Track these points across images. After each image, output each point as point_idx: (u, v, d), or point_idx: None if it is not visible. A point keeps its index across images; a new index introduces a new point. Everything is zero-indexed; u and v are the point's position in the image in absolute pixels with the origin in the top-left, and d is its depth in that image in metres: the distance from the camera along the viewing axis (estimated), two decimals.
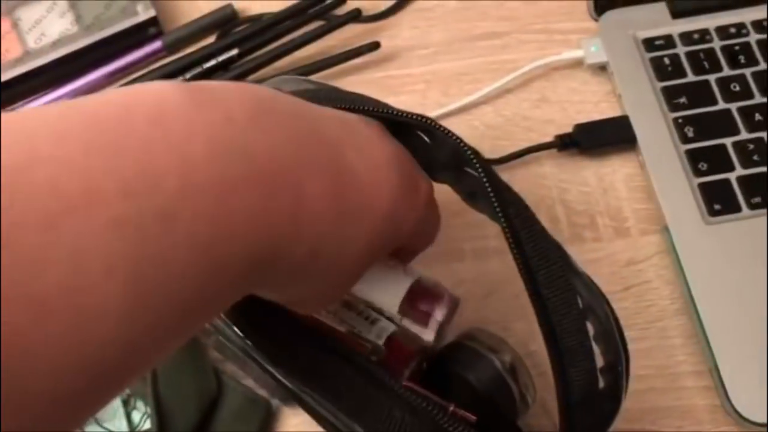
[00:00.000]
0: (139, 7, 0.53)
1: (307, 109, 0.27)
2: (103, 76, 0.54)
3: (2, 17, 0.54)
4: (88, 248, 0.18)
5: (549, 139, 0.50)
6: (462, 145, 0.32)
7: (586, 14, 0.55)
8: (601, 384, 0.30)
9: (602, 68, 0.52)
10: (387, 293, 0.33)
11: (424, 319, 0.34)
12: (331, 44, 0.55)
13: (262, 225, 0.22)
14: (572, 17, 0.55)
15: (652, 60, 0.50)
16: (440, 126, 0.32)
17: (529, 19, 0.55)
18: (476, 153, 0.32)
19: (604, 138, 0.49)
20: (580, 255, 0.34)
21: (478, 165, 0.31)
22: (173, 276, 0.20)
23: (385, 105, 0.34)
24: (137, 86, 0.22)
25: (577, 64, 0.52)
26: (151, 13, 0.54)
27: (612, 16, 0.53)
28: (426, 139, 0.34)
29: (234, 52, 0.53)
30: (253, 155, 0.22)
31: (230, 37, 0.54)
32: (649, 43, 0.51)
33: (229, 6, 0.56)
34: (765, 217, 0.46)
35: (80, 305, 0.18)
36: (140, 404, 0.43)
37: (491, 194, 0.30)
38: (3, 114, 0.19)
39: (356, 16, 0.53)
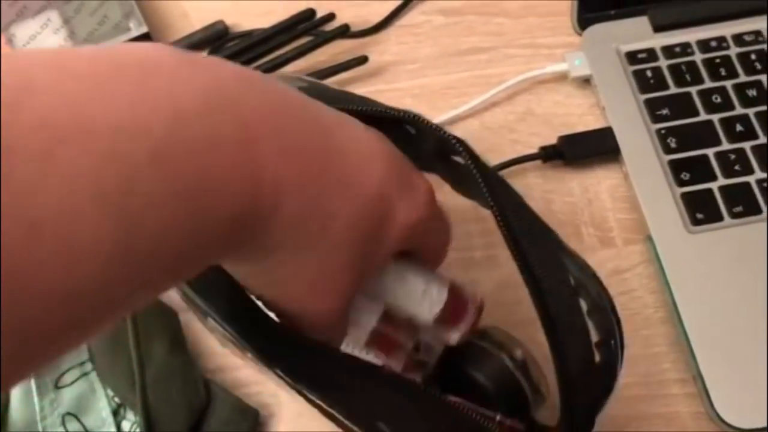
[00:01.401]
0: (132, 24, 0.54)
1: (297, 93, 0.28)
2: None
3: None
4: (80, 177, 0.19)
5: (534, 150, 0.51)
6: (445, 134, 0.33)
7: (570, 29, 0.56)
8: (597, 359, 0.31)
9: (586, 81, 0.53)
10: (422, 304, 0.33)
11: (452, 322, 0.34)
12: (321, 59, 0.56)
13: (245, 183, 0.23)
14: (557, 32, 0.56)
15: (635, 73, 0.51)
16: (423, 118, 0.34)
17: (515, 35, 0.56)
18: (460, 141, 0.33)
19: (588, 149, 0.50)
20: None
21: (463, 151, 0.32)
22: (158, 221, 0.21)
23: (371, 102, 0.35)
24: (132, 44, 0.23)
25: (562, 77, 0.53)
26: (143, 29, 0.54)
27: (595, 30, 0.54)
28: (412, 131, 0.35)
29: None
30: (242, 116, 0.23)
31: (221, 52, 0.55)
32: (632, 57, 0.52)
33: (221, 22, 0.57)
34: (747, 227, 0.46)
35: (71, 232, 0.19)
36: (130, 414, 0.43)
37: (479, 178, 0.31)
38: (11, 52, 0.20)
39: (344, 31, 0.54)
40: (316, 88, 0.37)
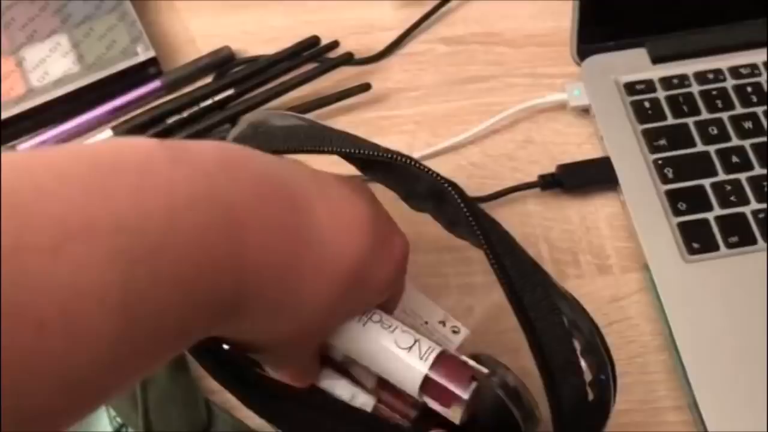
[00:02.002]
0: (139, 48, 0.55)
1: (278, 167, 0.30)
2: (105, 113, 0.56)
3: (7, 56, 0.56)
4: (86, 276, 0.20)
5: (534, 179, 0.51)
6: (438, 178, 0.33)
7: (570, 59, 0.57)
8: (590, 396, 0.32)
9: (585, 111, 0.54)
10: (406, 378, 0.34)
11: (446, 398, 0.33)
12: (325, 85, 0.57)
13: (232, 272, 0.25)
14: (557, 62, 0.57)
15: (633, 103, 0.52)
16: (416, 162, 0.34)
17: (516, 64, 0.57)
18: (453, 184, 0.33)
19: (586, 178, 0.51)
20: None
21: (456, 196, 0.32)
22: (156, 308, 0.22)
23: (363, 144, 0.36)
24: (127, 139, 0.25)
25: (561, 106, 0.54)
26: (151, 54, 0.55)
27: (594, 61, 0.55)
28: (405, 172, 0.36)
29: (230, 92, 0.55)
30: (229, 208, 0.25)
31: (227, 77, 0.56)
32: (630, 88, 0.53)
33: (227, 48, 0.58)
34: (742, 257, 0.47)
35: (76, 328, 0.20)
36: None
37: (472, 223, 0.32)
38: (11, 153, 0.21)
39: (348, 59, 0.55)
40: (312, 127, 0.38)
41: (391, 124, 0.55)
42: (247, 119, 0.39)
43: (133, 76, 0.56)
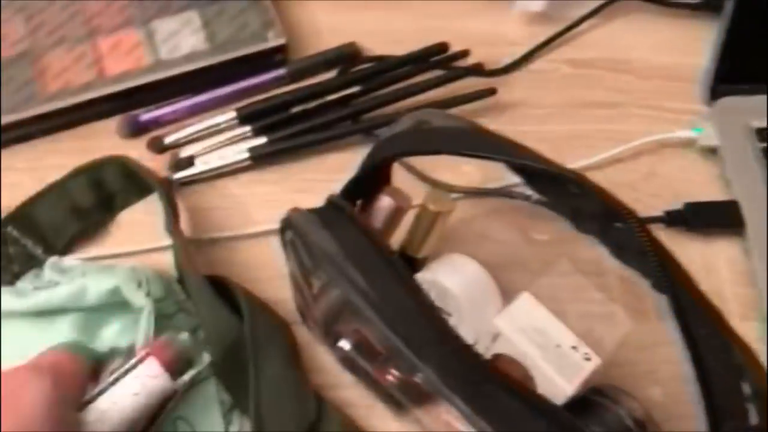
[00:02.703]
0: (270, 34, 0.55)
1: None
2: (227, 94, 0.55)
3: (138, 27, 0.56)
4: None
5: (654, 212, 0.51)
6: (617, 203, 0.33)
7: (696, 96, 0.56)
8: None
9: (711, 151, 0.53)
10: None
11: None
12: (446, 93, 0.56)
13: None
14: (684, 98, 0.56)
15: (765, 150, 0.52)
16: (593, 183, 0.34)
17: (642, 94, 0.57)
18: (630, 211, 0.33)
19: (713, 219, 0.50)
20: None
21: (636, 226, 0.32)
22: None
23: (537, 156, 0.35)
24: None
25: (688, 143, 0.54)
26: (281, 41, 0.55)
27: (726, 102, 0.54)
28: (575, 191, 0.35)
29: (356, 89, 0.54)
30: None
31: (352, 74, 0.56)
32: (762, 133, 0.52)
33: (353, 44, 0.58)
34: None
35: None
36: (236, 423, 0.43)
37: (653, 256, 0.31)
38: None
39: (478, 70, 0.55)
40: (479, 132, 0.37)
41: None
42: (411, 116, 0.39)
43: (258, 61, 0.56)
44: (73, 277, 0.45)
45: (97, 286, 0.43)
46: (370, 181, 0.41)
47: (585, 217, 0.35)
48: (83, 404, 0.36)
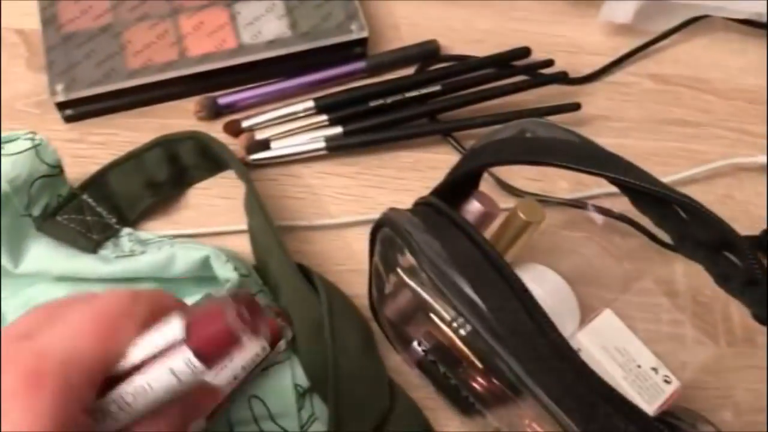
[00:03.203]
0: (354, 26, 0.55)
1: None
2: (305, 83, 0.55)
3: (222, 8, 0.55)
4: None
5: None
6: (732, 233, 0.33)
7: None
8: None
9: None
10: None
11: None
12: (525, 98, 0.56)
13: None
14: (765, 121, 0.56)
15: None
16: (707, 210, 0.33)
17: (723, 115, 0.56)
18: (745, 242, 0.32)
19: None
20: None
21: (752, 259, 0.32)
22: None
23: (649, 176, 0.35)
24: None
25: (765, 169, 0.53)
26: (364, 33, 0.55)
27: None
28: (683, 215, 0.35)
29: (437, 87, 0.54)
30: None
31: (432, 71, 0.56)
32: None
33: (434, 41, 0.57)
34: None
35: None
36: (308, 405, 0.43)
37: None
38: None
39: (562, 77, 0.54)
40: (586, 146, 0.37)
41: None
42: (514, 125, 0.38)
43: (339, 52, 0.55)
44: (161, 246, 0.45)
45: (185, 256, 0.43)
46: (461, 185, 0.41)
47: (691, 242, 0.34)
48: None
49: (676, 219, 0.34)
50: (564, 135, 0.37)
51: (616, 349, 0.41)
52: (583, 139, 0.37)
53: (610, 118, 0.56)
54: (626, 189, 0.35)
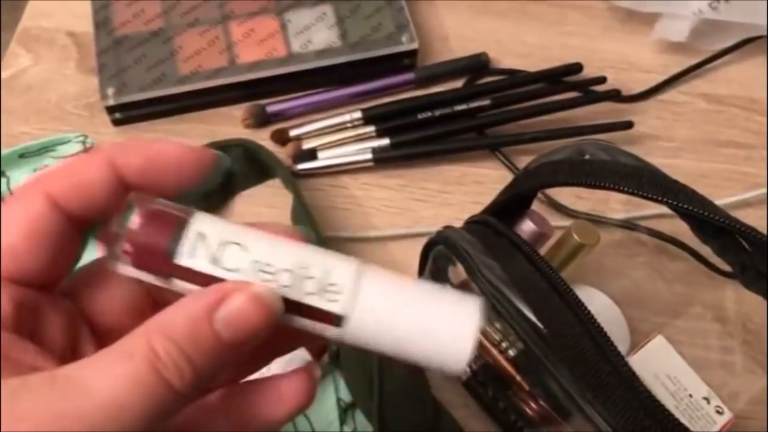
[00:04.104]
0: (404, 38, 0.55)
1: None
2: (354, 93, 0.55)
3: (273, 16, 0.55)
4: None
5: None
6: None
7: None
8: None
9: None
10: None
11: None
12: (576, 114, 0.55)
13: None
14: None
15: None
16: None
17: None
18: None
19: None
20: None
21: None
22: None
23: (711, 205, 0.34)
24: None
25: None
26: (414, 45, 0.55)
27: None
28: (745, 245, 0.34)
29: (486, 101, 0.54)
30: None
31: (481, 85, 0.55)
32: None
33: (484, 54, 0.57)
34: None
35: None
36: (350, 421, 0.43)
37: None
38: None
39: (615, 95, 0.54)
40: (651, 172, 0.36)
41: None
42: (572, 146, 0.38)
43: (388, 63, 0.55)
44: None
45: None
46: (514, 204, 0.40)
47: (753, 273, 0.34)
48: None
49: (738, 249, 0.34)
50: (625, 158, 0.36)
51: (667, 377, 0.40)
52: (643, 163, 0.36)
53: (661, 138, 0.55)
54: (688, 217, 0.35)
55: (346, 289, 0.22)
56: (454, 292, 0.22)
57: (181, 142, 0.24)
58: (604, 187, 0.35)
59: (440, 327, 0.22)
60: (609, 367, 0.29)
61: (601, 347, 0.29)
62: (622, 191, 0.34)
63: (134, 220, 0.21)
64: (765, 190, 0.52)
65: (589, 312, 0.30)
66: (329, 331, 0.22)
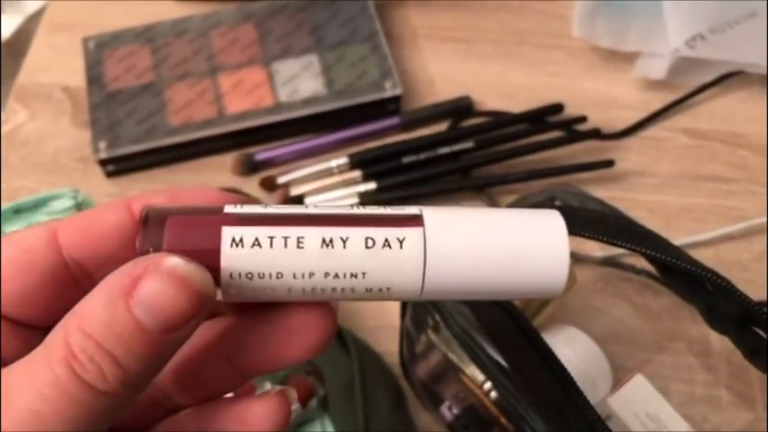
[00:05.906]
0: (388, 84, 0.56)
1: None
2: (340, 139, 0.56)
3: (261, 67, 0.57)
4: None
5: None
6: (758, 309, 0.32)
7: None
8: None
9: None
10: None
11: None
12: (559, 153, 0.56)
13: None
14: None
15: None
16: (734, 288, 0.33)
17: (759, 171, 0.56)
18: None
19: None
20: None
21: None
22: None
23: (675, 250, 0.35)
24: None
25: None
26: (398, 91, 0.56)
27: None
28: (710, 288, 0.35)
29: (470, 143, 0.55)
30: None
31: (465, 128, 0.56)
32: None
33: (467, 98, 0.58)
34: None
35: None
36: None
37: None
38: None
39: (595, 134, 0.55)
40: (618, 218, 0.37)
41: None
42: (543, 192, 0.39)
43: (373, 109, 0.57)
44: None
45: None
46: None
47: (719, 315, 0.34)
48: None
49: (703, 292, 0.34)
50: (592, 204, 0.37)
51: (647, 416, 0.40)
52: (609, 209, 0.37)
53: (645, 174, 0.56)
54: (654, 262, 0.35)
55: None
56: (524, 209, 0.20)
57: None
58: (574, 234, 0.36)
59: (529, 246, 0.19)
60: (575, 413, 0.29)
61: (569, 393, 0.30)
62: (587, 237, 0.35)
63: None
64: (749, 224, 0.52)
65: (556, 358, 0.31)
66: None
